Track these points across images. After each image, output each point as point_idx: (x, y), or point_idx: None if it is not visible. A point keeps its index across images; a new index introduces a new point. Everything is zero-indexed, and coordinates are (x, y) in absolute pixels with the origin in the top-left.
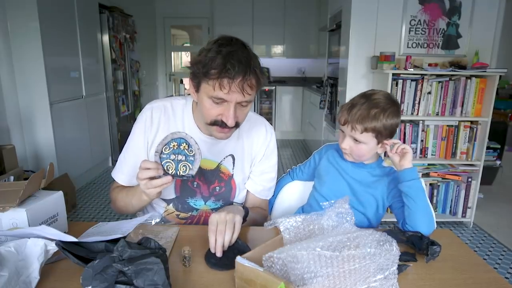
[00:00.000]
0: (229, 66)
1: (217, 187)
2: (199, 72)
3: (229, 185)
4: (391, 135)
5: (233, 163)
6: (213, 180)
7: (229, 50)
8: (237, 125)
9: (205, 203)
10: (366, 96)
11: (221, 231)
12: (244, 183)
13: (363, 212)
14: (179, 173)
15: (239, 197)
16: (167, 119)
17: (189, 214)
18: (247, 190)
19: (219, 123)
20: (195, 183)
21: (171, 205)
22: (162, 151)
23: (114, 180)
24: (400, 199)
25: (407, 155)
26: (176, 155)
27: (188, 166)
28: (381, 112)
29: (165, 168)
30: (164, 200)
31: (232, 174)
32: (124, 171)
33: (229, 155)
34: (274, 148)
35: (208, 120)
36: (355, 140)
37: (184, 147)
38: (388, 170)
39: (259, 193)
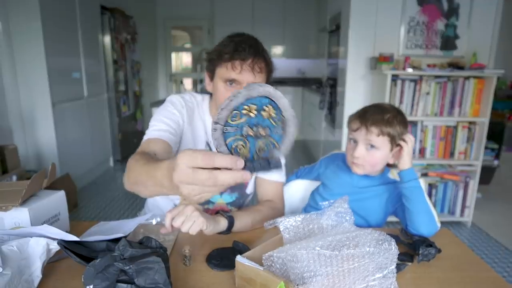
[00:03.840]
0: (241, 49)
1: None
2: (214, 58)
3: None
4: None
5: None
6: None
7: (240, 38)
8: None
9: (220, 196)
10: (375, 105)
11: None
12: None
13: (366, 219)
14: (256, 157)
15: (249, 187)
16: (192, 111)
17: (204, 207)
18: (256, 177)
19: None
20: None
21: None
22: (226, 121)
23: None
24: (403, 203)
25: (402, 153)
26: (254, 128)
27: (272, 144)
28: (394, 117)
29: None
30: None
31: None
32: (161, 127)
33: None
34: None
35: None
36: (370, 146)
37: (269, 112)
38: (393, 181)
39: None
